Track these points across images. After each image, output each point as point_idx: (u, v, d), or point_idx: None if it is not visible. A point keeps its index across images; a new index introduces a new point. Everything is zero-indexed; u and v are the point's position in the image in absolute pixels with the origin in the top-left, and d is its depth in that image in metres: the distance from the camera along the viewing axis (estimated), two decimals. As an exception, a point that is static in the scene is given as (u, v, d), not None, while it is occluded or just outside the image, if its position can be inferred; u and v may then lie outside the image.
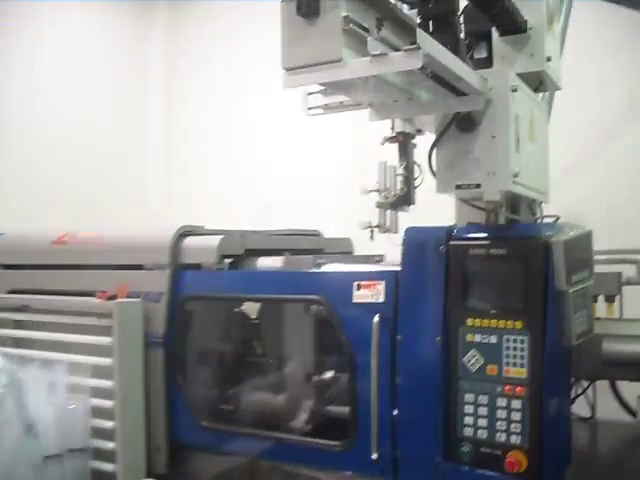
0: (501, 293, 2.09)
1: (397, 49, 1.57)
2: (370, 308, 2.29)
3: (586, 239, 2.19)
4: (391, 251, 2.77)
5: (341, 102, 2.99)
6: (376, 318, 2.24)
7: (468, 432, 2.12)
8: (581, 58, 3.66)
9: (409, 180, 2.83)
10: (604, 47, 3.93)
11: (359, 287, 2.34)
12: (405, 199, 2.86)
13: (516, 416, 2.04)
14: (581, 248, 2.14)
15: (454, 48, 1.70)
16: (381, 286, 2.30)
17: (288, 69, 1.62)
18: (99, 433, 2.62)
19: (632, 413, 2.69)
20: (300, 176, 4.84)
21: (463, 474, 2.11)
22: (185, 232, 2.76)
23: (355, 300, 2.33)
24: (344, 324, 2.35)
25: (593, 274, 2.20)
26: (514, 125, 1.99)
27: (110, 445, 2.60)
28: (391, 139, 2.78)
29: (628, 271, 2.95)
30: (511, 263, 2.07)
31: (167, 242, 2.71)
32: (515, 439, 2.03)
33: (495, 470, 2.06)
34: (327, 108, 3.02)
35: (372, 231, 2.94)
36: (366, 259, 3.09)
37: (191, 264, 2.71)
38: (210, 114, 5.43)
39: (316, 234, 3.40)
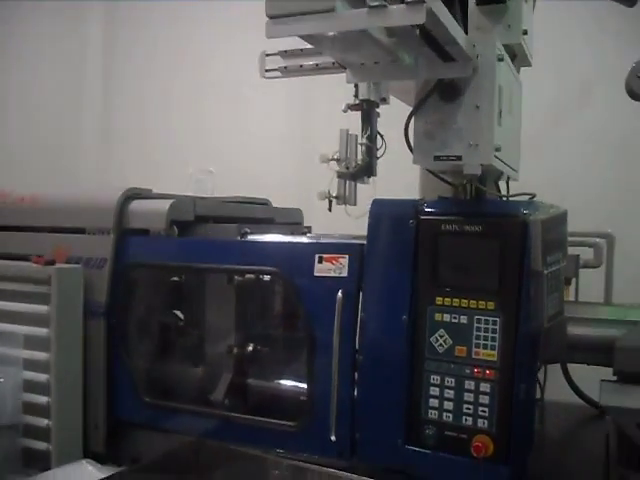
0: (474, 272, 1.99)
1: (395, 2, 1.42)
2: (332, 282, 2.17)
3: (562, 219, 2.12)
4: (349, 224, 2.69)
5: (301, 65, 2.86)
6: (339, 294, 2.12)
7: (433, 415, 2.03)
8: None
9: (371, 150, 2.68)
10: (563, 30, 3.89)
11: (321, 260, 2.21)
12: (366, 170, 2.69)
13: (484, 399, 1.96)
14: (557, 228, 2.07)
15: (450, 8, 1.58)
16: (345, 260, 2.17)
17: (272, 16, 1.45)
18: (31, 409, 2.42)
19: (584, 399, 2.69)
20: (244, 144, 4.65)
21: (426, 457, 2.03)
22: (132, 195, 2.57)
23: (316, 273, 2.20)
24: (303, 298, 2.22)
25: (566, 255, 2.15)
26: (497, 96, 1.89)
27: (44, 422, 2.40)
28: (354, 106, 2.62)
29: (585, 254, 2.94)
30: (486, 241, 1.97)
31: (112, 205, 2.50)
32: (482, 423, 1.96)
33: (460, 454, 1.98)
34: (286, 72, 2.87)
35: (330, 202, 2.80)
36: (292, 230, 3.02)
37: (138, 229, 2.52)
38: (149, 80, 5.13)
39: (265, 203, 3.25)
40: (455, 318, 2.01)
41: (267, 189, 3.42)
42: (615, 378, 2.05)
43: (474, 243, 2.00)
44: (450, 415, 2.01)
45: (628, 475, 2.03)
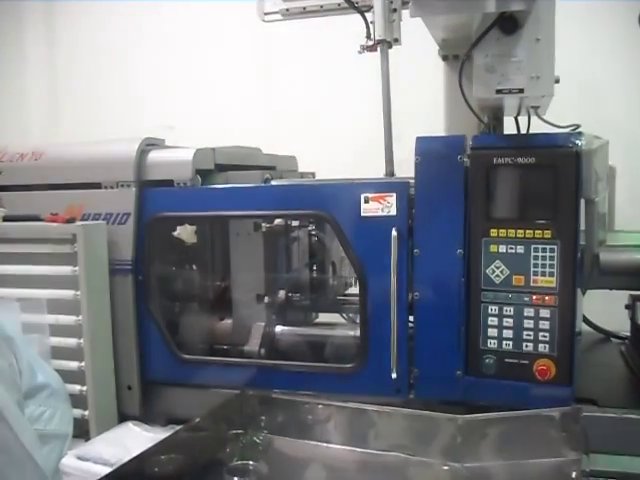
0: (529, 203, 2.04)
1: None
2: (381, 222, 2.17)
3: (605, 150, 2.20)
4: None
5: (304, 8, 2.78)
6: (394, 232, 2.12)
7: (492, 344, 2.09)
8: None
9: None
10: None
11: (367, 200, 2.20)
12: None
13: (544, 325, 2.03)
14: (602, 158, 2.15)
15: None
16: (392, 198, 2.17)
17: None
18: (62, 376, 2.28)
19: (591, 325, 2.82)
20: (206, 95, 4.49)
21: (487, 386, 2.10)
22: (148, 145, 2.45)
23: (364, 214, 2.19)
24: (352, 240, 2.21)
25: (609, 184, 2.24)
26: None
27: (76, 388, 2.29)
28: (370, 47, 2.56)
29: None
30: (540, 172, 2.02)
31: (131, 156, 2.37)
32: (543, 347, 2.03)
33: (522, 379, 2.06)
34: (288, 14, 2.79)
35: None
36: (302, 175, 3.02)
37: (159, 180, 2.41)
38: (103, 28, 4.83)
39: (259, 150, 3.17)
40: (512, 248, 2.06)
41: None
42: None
43: (527, 174, 2.04)
44: (510, 343, 2.07)
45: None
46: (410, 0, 1.83)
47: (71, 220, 2.30)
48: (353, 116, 3.86)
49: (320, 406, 2.25)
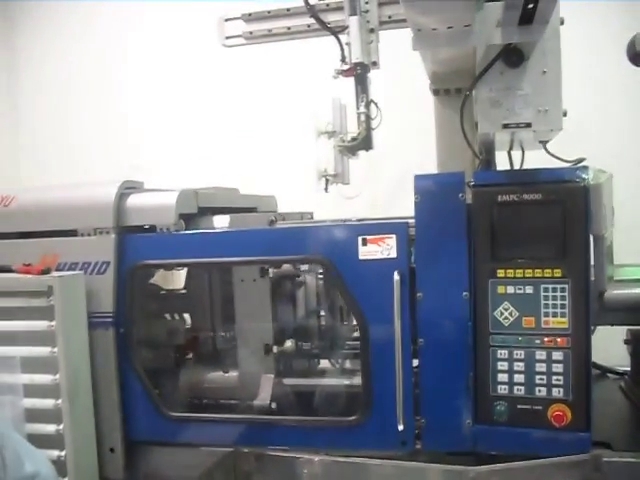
0: (536, 240, 1.96)
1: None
2: (381, 265, 2.06)
3: (610, 183, 2.14)
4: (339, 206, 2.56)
5: (269, 30, 2.66)
6: (396, 275, 2.01)
7: (503, 390, 1.99)
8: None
9: (369, 120, 2.45)
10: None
11: (365, 242, 2.09)
12: (365, 143, 2.46)
13: (558, 368, 1.94)
14: (608, 192, 2.09)
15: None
16: (392, 240, 2.07)
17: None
18: (38, 440, 2.08)
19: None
20: (174, 136, 4.36)
21: (498, 434, 1.99)
22: (127, 189, 2.30)
23: (362, 257, 2.08)
24: (350, 284, 2.09)
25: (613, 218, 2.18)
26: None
27: (54, 454, 2.10)
28: (347, 72, 2.41)
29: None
30: (548, 208, 1.95)
31: (110, 200, 2.23)
32: (557, 392, 1.94)
33: (536, 426, 1.96)
34: (251, 37, 2.66)
35: (327, 181, 2.56)
36: (301, 216, 2.86)
37: (140, 226, 2.27)
38: (69, 66, 4.68)
39: (237, 190, 3.04)
40: (520, 289, 1.98)
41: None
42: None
43: (534, 211, 1.96)
44: (522, 388, 1.98)
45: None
46: (412, 33, 1.75)
47: (46, 271, 2.13)
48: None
49: (318, 461, 2.13)
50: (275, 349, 2.37)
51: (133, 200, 2.26)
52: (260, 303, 2.31)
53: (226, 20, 2.71)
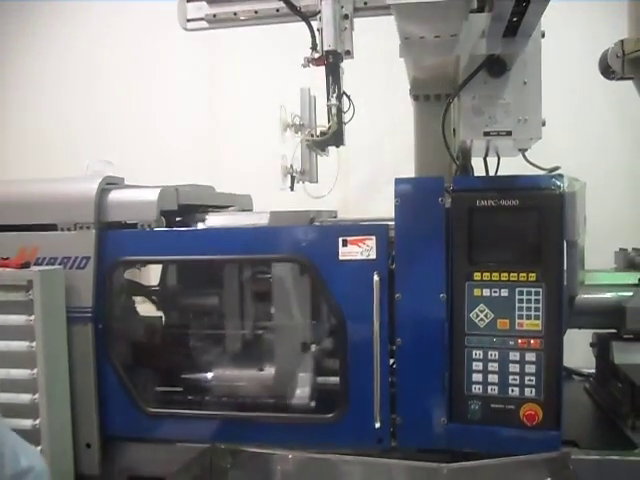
0: (513, 245, 2.03)
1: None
2: (360, 266, 2.10)
3: (583, 191, 2.21)
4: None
5: (235, 13, 2.54)
6: (376, 277, 2.05)
7: (477, 389, 2.05)
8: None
9: (341, 113, 2.33)
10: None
11: (345, 243, 2.13)
12: (336, 138, 2.34)
13: (531, 369, 2.01)
14: (582, 200, 2.16)
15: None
16: (372, 241, 2.11)
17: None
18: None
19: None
20: (145, 131, 4.32)
21: (473, 432, 2.05)
22: (108, 185, 2.30)
23: (342, 257, 2.12)
24: (329, 284, 2.13)
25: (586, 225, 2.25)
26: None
27: (30, 448, 2.10)
28: (317, 60, 2.30)
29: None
30: (524, 214, 2.01)
31: (91, 195, 2.22)
32: (530, 392, 2.01)
33: (508, 425, 2.03)
34: (215, 21, 2.55)
35: (293, 179, 2.44)
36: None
37: (120, 222, 2.27)
38: (40, 59, 4.62)
39: (213, 188, 3.05)
40: (495, 292, 2.04)
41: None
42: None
43: (511, 217, 2.03)
44: (496, 388, 2.04)
45: (642, 424, 2.20)
46: (402, 43, 1.78)
47: (26, 265, 2.12)
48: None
49: (292, 458, 2.16)
50: (313, 347, 2.35)
51: (114, 196, 2.26)
52: (299, 301, 2.30)
53: (188, 1, 2.56)
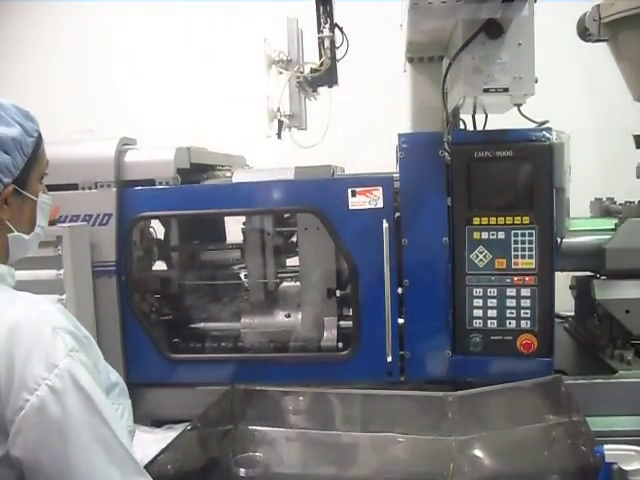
0: (508, 192, 2.23)
1: None
2: (369, 214, 2.28)
3: (568, 143, 2.42)
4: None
5: None
6: (385, 223, 2.23)
7: (477, 324, 2.27)
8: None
9: (334, 47, 2.29)
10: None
11: (354, 194, 2.30)
12: (329, 75, 2.31)
13: (526, 303, 2.23)
14: (568, 151, 2.36)
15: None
16: (379, 192, 2.29)
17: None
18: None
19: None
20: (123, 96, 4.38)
21: (475, 363, 2.27)
22: (124, 145, 2.42)
23: (351, 207, 2.29)
24: (341, 232, 2.30)
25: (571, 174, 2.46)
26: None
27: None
28: None
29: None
30: (518, 164, 2.22)
31: (110, 156, 2.34)
32: (526, 324, 2.23)
33: (507, 354, 2.25)
34: None
35: (280, 124, 2.40)
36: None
37: (137, 180, 2.39)
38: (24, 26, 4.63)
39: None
40: (493, 235, 2.24)
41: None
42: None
43: (506, 166, 2.23)
44: (494, 321, 2.26)
45: (620, 354, 2.44)
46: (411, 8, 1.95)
47: (53, 222, 2.23)
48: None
49: (309, 394, 2.33)
50: (338, 293, 2.46)
51: (132, 155, 2.39)
52: (323, 250, 2.42)
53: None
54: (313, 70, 2.29)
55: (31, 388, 1.20)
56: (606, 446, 1.60)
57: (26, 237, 1.46)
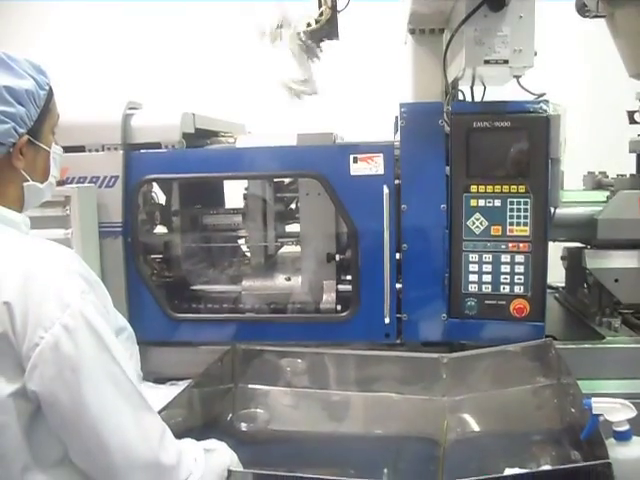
0: (504, 161, 2.30)
1: None
2: (370, 180, 2.34)
3: (564, 116, 2.49)
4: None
5: None
6: (386, 189, 2.30)
7: (473, 288, 2.35)
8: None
9: None
10: None
11: (356, 160, 2.36)
12: (330, 27, 2.28)
13: (520, 269, 2.31)
14: (563, 123, 2.43)
15: None
16: (380, 158, 2.35)
17: None
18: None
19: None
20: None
21: (469, 326, 2.35)
22: (131, 108, 2.47)
23: (353, 173, 2.35)
24: (343, 197, 2.36)
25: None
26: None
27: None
28: None
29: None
30: (515, 134, 2.28)
31: (117, 119, 2.39)
32: (519, 289, 2.31)
33: (500, 318, 2.33)
34: None
35: (292, 91, 2.42)
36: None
37: (143, 143, 2.44)
38: None
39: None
40: (490, 202, 2.31)
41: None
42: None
43: (503, 136, 2.29)
44: (489, 286, 2.34)
45: (608, 322, 2.53)
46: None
47: (61, 182, 2.28)
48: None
49: (309, 354, 2.41)
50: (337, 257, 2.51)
51: (139, 119, 2.44)
52: (324, 215, 2.48)
53: None
54: (315, 21, 2.27)
55: (46, 326, 1.28)
56: (593, 399, 1.68)
57: (40, 186, 1.54)
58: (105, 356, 1.33)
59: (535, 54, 2.18)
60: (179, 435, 1.51)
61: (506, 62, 2.16)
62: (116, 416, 1.32)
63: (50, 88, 1.55)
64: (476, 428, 2.19)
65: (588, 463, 1.56)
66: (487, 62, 2.17)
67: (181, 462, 1.40)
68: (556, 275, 2.98)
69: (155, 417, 1.40)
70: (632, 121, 2.70)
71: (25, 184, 1.49)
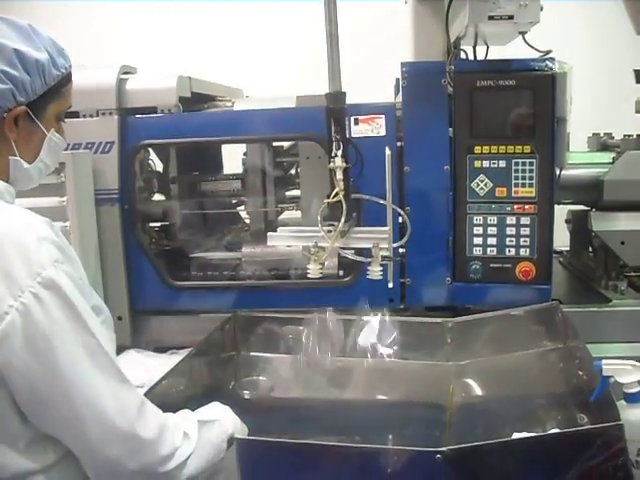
0: (509, 121, 2.24)
1: None
2: (371, 142, 2.27)
3: (570, 74, 2.42)
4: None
5: None
6: (388, 150, 2.24)
7: (477, 251, 2.31)
8: None
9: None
10: None
11: (357, 122, 2.30)
12: None
13: (525, 231, 2.27)
14: (570, 82, 2.38)
15: None
16: (381, 120, 2.29)
17: None
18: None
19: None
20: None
21: (474, 290, 2.31)
22: (125, 72, 2.40)
23: (354, 135, 2.29)
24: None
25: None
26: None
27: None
28: None
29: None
30: (520, 93, 2.22)
31: (111, 83, 2.32)
32: (525, 251, 2.27)
33: (506, 282, 2.29)
34: None
35: None
36: None
37: (139, 108, 2.38)
38: None
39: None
40: (494, 163, 2.26)
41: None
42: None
43: (508, 95, 2.24)
44: (494, 249, 2.30)
45: (614, 285, 2.50)
46: None
47: (53, 149, 2.22)
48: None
49: (312, 318, 2.37)
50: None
51: (133, 83, 2.37)
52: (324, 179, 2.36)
53: None
54: None
55: (15, 295, 1.21)
56: (604, 361, 1.65)
57: (25, 165, 1.45)
58: (79, 326, 1.27)
59: (541, 9, 2.11)
60: (180, 404, 1.47)
61: (511, 18, 2.09)
62: (91, 386, 1.26)
63: (68, 74, 1.49)
64: (481, 393, 2.16)
65: (599, 425, 1.52)
66: (491, 18, 2.09)
67: (163, 436, 1.34)
68: (560, 239, 2.95)
69: (132, 390, 1.34)
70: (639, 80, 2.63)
71: (11, 158, 1.41)
